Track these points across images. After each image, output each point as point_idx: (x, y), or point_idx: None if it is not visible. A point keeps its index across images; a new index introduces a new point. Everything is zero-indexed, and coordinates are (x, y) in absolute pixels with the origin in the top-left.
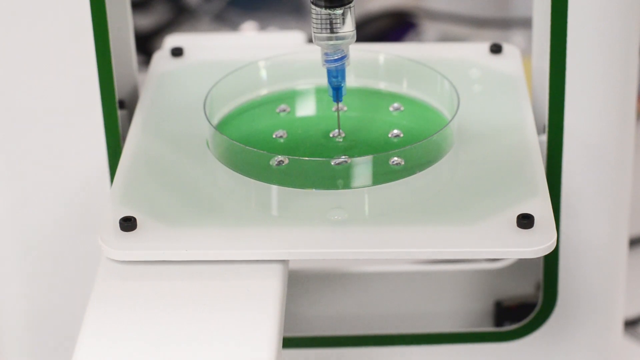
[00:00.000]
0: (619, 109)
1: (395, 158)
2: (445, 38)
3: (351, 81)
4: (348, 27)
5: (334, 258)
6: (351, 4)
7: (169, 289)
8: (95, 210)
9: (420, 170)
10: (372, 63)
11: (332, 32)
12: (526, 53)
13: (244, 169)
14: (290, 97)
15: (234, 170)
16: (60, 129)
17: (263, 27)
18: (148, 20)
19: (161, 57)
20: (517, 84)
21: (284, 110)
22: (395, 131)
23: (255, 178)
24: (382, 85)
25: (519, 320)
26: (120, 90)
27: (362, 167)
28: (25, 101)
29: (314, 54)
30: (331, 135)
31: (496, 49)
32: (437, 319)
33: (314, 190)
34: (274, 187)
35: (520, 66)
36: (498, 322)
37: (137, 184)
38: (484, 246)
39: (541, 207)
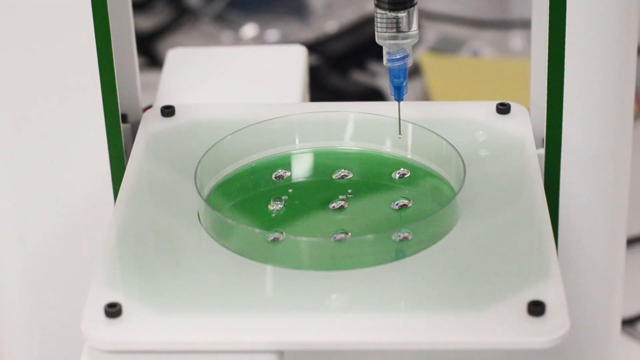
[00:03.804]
0: (617, 111)
1: (399, 233)
2: (444, 39)
3: (353, 144)
4: (411, 27)
5: (333, 349)
6: (414, 6)
7: None
8: (97, 223)
9: (425, 247)
10: (375, 126)
11: (396, 31)
12: (525, 54)
13: (236, 246)
14: (286, 162)
15: (225, 247)
16: (63, 142)
17: (263, 28)
18: (149, 22)
19: (151, 116)
20: (524, 146)
21: (281, 177)
22: (399, 202)
23: (248, 256)
24: (386, 150)
25: None
26: (121, 96)
27: (363, 245)
28: (26, 109)
29: (310, 115)
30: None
31: (503, 108)
32: None
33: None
34: (269, 268)
35: (528, 126)
36: None
37: (123, 265)
38: (491, 336)
39: (553, 292)
